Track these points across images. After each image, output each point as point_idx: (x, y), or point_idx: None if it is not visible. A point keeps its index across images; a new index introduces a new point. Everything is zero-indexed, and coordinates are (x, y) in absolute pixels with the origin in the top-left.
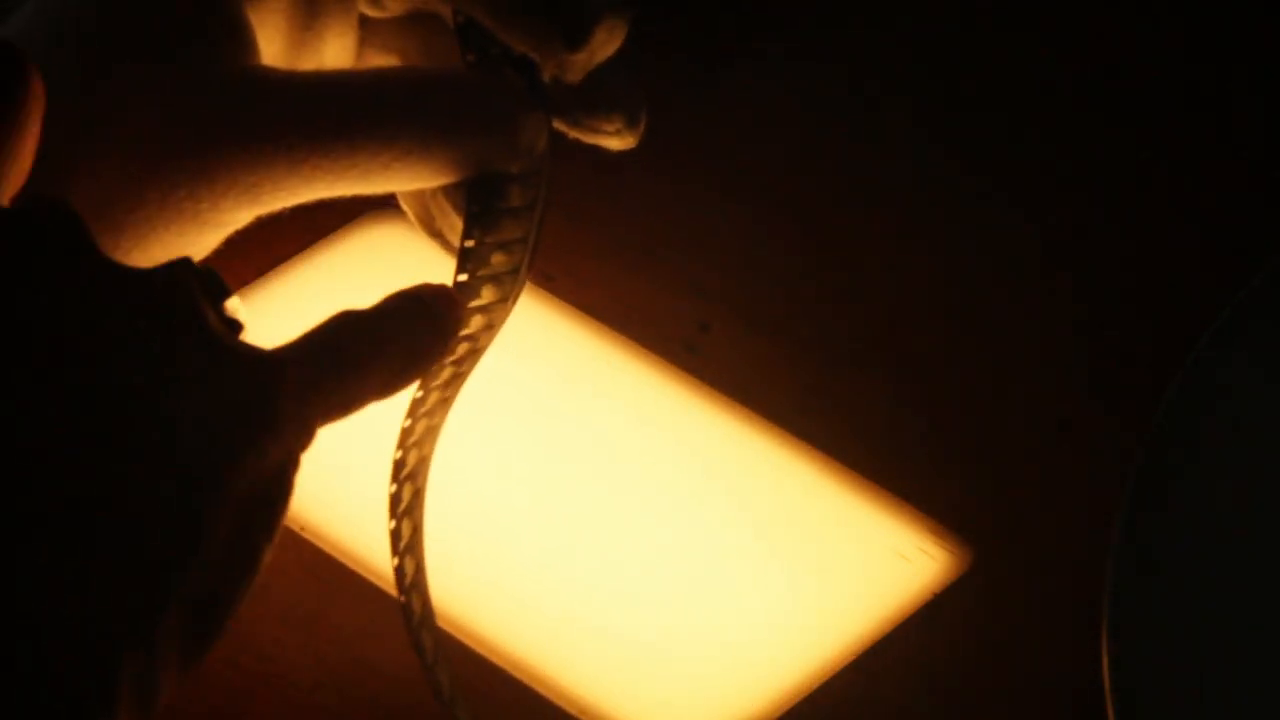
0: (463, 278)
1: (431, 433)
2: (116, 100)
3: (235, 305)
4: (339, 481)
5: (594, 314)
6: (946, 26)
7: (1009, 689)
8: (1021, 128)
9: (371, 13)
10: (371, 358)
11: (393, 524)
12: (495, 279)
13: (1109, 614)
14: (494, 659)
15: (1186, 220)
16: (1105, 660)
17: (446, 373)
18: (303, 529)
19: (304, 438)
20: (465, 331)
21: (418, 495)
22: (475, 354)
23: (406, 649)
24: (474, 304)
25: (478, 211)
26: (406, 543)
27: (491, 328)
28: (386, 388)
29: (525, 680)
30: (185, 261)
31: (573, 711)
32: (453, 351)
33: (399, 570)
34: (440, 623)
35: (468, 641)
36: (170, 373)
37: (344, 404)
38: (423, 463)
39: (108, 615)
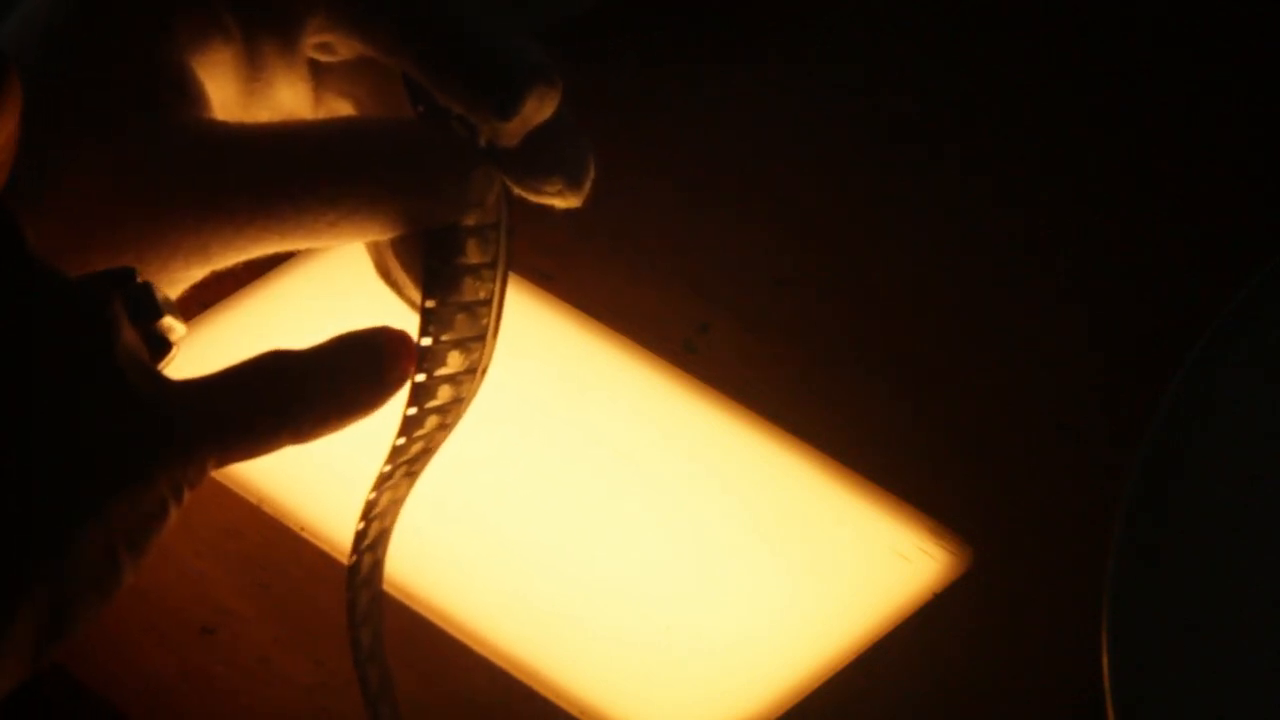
0: (426, 341)
1: (395, 505)
2: (63, 163)
3: (170, 324)
4: (338, 483)
5: (594, 314)
6: (946, 27)
7: (1009, 689)
8: (1021, 128)
9: (323, 58)
10: (288, 404)
11: (350, 594)
12: (461, 345)
13: (1109, 614)
14: (493, 658)
15: (1186, 220)
16: (1105, 660)
17: (416, 447)
18: (303, 529)
19: (193, 475)
20: (433, 404)
21: (377, 566)
22: (445, 429)
23: (405, 648)
24: (441, 372)
25: (436, 267)
26: (363, 613)
27: (461, 401)
28: (304, 434)
29: (525, 680)
30: (118, 274)
31: (573, 711)
32: (421, 425)
33: (355, 642)
34: (439, 621)
35: (466, 640)
36: (64, 389)
37: (248, 447)
38: (384, 534)
39: None
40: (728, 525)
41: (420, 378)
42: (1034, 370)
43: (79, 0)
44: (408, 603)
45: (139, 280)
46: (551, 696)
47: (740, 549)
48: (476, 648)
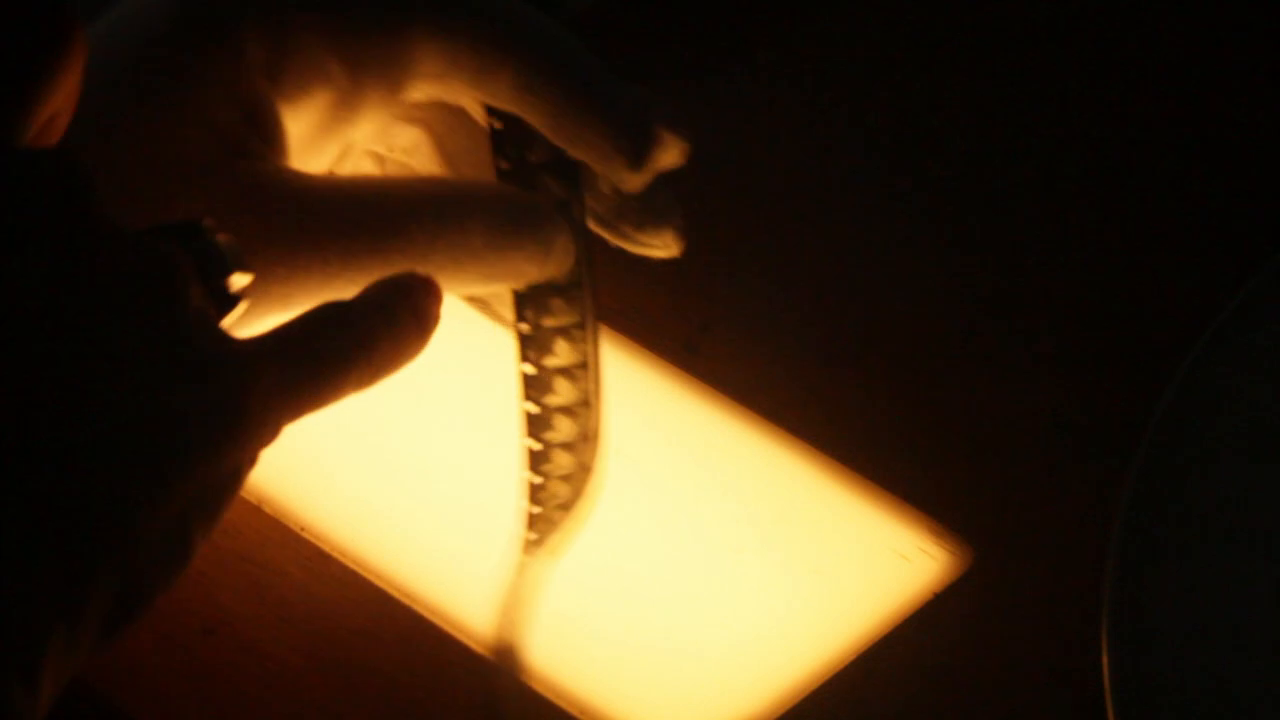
0: (531, 408)
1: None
2: (150, 206)
3: (240, 280)
4: (338, 481)
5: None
6: (946, 27)
7: (1009, 688)
8: (1020, 129)
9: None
10: (352, 354)
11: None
12: (568, 411)
13: (1109, 613)
14: (493, 658)
15: (1186, 221)
16: (1105, 660)
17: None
18: (303, 529)
19: (267, 437)
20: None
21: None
22: (569, 504)
23: (405, 648)
24: (550, 437)
25: (527, 332)
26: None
27: (587, 470)
28: (366, 380)
29: (525, 679)
30: (186, 227)
31: (573, 711)
32: (545, 489)
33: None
34: (438, 621)
35: (466, 640)
36: (137, 354)
37: (317, 402)
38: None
39: (36, 592)
40: (728, 525)
41: (538, 445)
42: (1033, 370)
43: (173, 43)
44: (408, 603)
45: (208, 233)
46: (551, 696)
47: (740, 549)
48: (476, 647)
